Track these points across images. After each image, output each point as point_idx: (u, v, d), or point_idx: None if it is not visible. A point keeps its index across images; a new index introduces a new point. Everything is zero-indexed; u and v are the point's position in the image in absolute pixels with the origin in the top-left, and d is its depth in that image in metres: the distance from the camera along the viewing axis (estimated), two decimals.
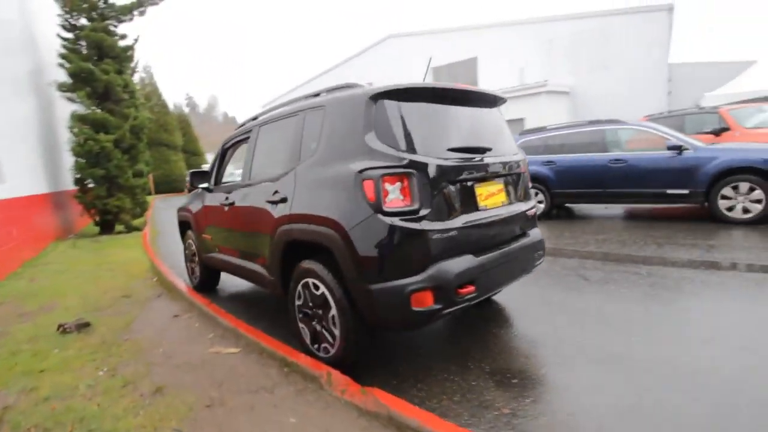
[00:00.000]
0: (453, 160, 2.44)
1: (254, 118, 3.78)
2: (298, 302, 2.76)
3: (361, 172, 2.25)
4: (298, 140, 2.83)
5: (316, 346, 2.68)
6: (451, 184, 2.39)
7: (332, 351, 2.56)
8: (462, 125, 2.66)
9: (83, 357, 3.08)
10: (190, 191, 4.63)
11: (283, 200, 2.79)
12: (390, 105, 2.35)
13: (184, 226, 4.94)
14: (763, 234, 5.29)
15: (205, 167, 15.01)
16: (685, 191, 6.18)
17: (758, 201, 5.74)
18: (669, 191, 6.32)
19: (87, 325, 3.70)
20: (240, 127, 3.98)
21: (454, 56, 22.00)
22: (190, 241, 4.68)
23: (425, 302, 2.19)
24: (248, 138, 3.60)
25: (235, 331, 3.29)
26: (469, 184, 2.52)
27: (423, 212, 2.24)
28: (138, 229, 10.36)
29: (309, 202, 2.56)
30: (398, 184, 2.21)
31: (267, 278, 3.11)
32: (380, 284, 2.20)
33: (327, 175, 2.47)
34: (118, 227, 10.38)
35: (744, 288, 3.69)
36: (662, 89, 16.65)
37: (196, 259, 4.60)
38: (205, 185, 4.23)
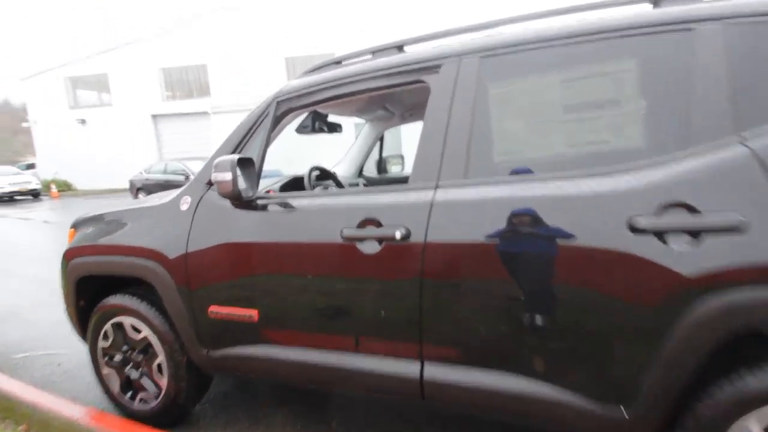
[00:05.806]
0: None
1: (400, 47, 1.81)
2: None
3: None
4: (720, 83, 1.25)
5: None
6: None
7: None
8: None
9: None
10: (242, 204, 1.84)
11: (724, 229, 1.15)
12: None
13: (95, 288, 2.26)
14: None
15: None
16: None
17: None
18: None
19: None
20: (329, 65, 1.95)
21: (183, 60, 21.64)
22: (133, 321, 2.09)
23: None
24: (424, 86, 1.66)
25: None
26: None
27: None
28: None
29: None
30: None
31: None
32: None
33: None
34: None
35: None
36: None
37: (160, 357, 2.06)
38: (228, 194, 1.74)
